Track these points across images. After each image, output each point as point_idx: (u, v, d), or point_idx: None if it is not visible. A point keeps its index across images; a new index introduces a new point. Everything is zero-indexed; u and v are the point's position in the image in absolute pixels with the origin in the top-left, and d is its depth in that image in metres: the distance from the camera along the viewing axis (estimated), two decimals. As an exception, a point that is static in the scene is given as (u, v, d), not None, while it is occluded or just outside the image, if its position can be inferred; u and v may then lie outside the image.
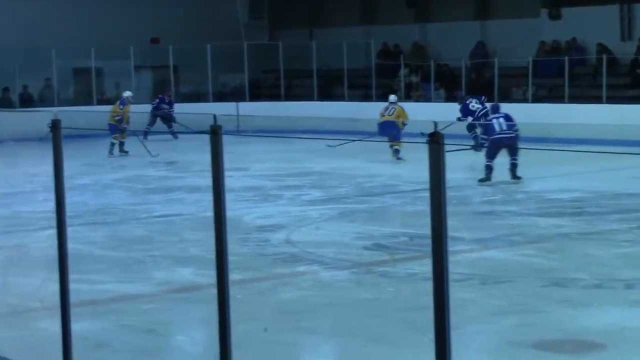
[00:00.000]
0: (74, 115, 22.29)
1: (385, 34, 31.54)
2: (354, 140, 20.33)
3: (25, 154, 19.31)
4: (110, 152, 23.06)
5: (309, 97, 30.20)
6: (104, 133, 23.21)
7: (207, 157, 4.45)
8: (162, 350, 7.79)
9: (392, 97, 22.63)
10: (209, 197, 4.38)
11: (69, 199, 4.95)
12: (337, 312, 8.71)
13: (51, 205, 5.04)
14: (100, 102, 28.55)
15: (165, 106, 27.45)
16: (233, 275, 4.34)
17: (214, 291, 4.23)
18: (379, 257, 10.96)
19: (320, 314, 8.64)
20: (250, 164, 19.26)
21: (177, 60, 30.70)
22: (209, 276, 4.96)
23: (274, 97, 30.75)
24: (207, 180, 4.44)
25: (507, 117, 17.06)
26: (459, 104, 23.43)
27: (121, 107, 23.83)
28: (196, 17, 31.95)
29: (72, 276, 5.00)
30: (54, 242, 4.95)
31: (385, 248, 11.41)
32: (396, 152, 21.23)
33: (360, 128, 24.09)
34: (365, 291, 9.39)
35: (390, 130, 21.57)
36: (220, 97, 30.86)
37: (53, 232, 4.98)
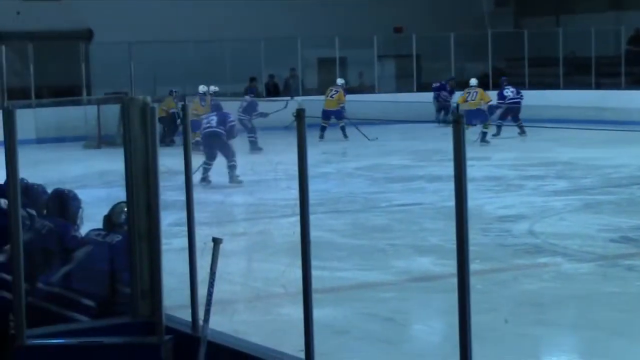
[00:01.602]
0: (318, 105, 22.78)
1: (637, 19, 30.51)
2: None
3: (270, 142, 19.79)
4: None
5: (554, 86, 29.63)
6: (346, 122, 23.77)
7: (448, 146, 4.40)
8: (402, 339, 7.81)
9: (473, 81, 23.35)
10: (448, 187, 4.33)
11: (312, 186, 5.00)
12: (580, 305, 8.50)
13: (294, 192, 5.10)
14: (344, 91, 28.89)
15: (445, 94, 27.62)
16: (473, 266, 4.26)
17: (453, 281, 4.17)
18: (626, 250, 10.62)
19: (563, 307, 8.45)
20: (492, 153, 19.07)
21: (420, 49, 30.72)
22: (449, 266, 4.92)
23: (518, 85, 30.27)
24: (447, 170, 4.39)
25: None
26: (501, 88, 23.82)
27: (345, 94, 24.42)
28: (440, 5, 31.87)
29: (313, 263, 5.04)
30: (297, 229, 5.01)
31: (633, 241, 11.05)
32: (484, 135, 21.12)
33: (608, 117, 23.46)
34: (611, 285, 9.13)
35: (476, 117, 21.56)
36: (462, 86, 30.67)
37: (296, 219, 5.04)
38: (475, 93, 22.79)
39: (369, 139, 22.54)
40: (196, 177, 15.34)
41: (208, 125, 16.68)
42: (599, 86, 28.98)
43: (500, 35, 31.36)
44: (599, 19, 30.99)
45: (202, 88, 22.78)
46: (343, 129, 23.91)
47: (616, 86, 28.65)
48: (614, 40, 30.77)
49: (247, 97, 22.77)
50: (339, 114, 23.95)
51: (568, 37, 30.42)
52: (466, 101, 22.87)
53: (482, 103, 22.51)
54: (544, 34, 30.81)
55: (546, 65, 30.69)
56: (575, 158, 18.99)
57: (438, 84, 28.09)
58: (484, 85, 29.75)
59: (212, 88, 23.37)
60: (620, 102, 25.14)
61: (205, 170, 16.28)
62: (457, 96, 26.88)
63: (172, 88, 24.69)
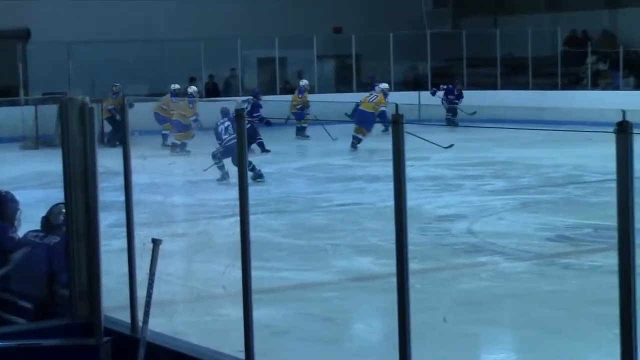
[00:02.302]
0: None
1: (573, 20, 30.84)
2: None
3: (210, 143, 19.70)
4: (298, 135, 24.47)
5: (492, 86, 29.87)
6: (289, 122, 24.16)
7: (387, 146, 4.42)
8: (342, 339, 7.83)
9: (383, 85, 23.46)
10: (388, 187, 4.36)
11: (252, 187, 5.00)
12: (518, 304, 8.58)
13: (234, 193, 5.10)
14: (283, 91, 28.90)
15: (452, 97, 27.53)
16: (412, 265, 4.30)
17: (393, 280, 4.21)
18: (562, 249, 10.74)
19: (501, 305, 8.53)
20: (431, 154, 19.16)
21: (359, 49, 30.80)
22: (389, 265, 4.94)
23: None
24: (386, 170, 4.41)
25: None
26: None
27: (300, 95, 24.91)
28: (379, 6, 31.96)
29: (254, 263, 5.05)
30: (237, 230, 5.01)
31: (569, 239, 11.17)
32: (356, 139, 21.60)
33: (544, 117, 23.69)
34: (548, 283, 9.22)
35: (365, 121, 21.81)
36: (402, 85, 30.78)
37: (236, 219, 5.04)
38: (375, 96, 22.75)
39: (332, 139, 22.61)
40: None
41: (232, 136, 16.38)
42: (535, 86, 29.28)
43: (438, 36, 31.52)
44: (536, 20, 31.31)
45: (191, 89, 22.72)
46: (298, 129, 24.42)
47: (553, 86, 28.95)
48: (550, 41, 31.09)
49: (250, 99, 22.77)
50: (296, 115, 24.40)
51: (505, 38, 30.67)
52: (368, 102, 22.77)
53: (378, 108, 22.41)
54: (481, 35, 31.02)
55: (484, 65, 30.91)
56: (513, 158, 19.16)
57: (446, 87, 27.97)
58: (422, 84, 30.02)
59: (174, 86, 23.31)
60: (557, 102, 25.41)
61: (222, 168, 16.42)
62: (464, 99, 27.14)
63: (114, 83, 24.52)
